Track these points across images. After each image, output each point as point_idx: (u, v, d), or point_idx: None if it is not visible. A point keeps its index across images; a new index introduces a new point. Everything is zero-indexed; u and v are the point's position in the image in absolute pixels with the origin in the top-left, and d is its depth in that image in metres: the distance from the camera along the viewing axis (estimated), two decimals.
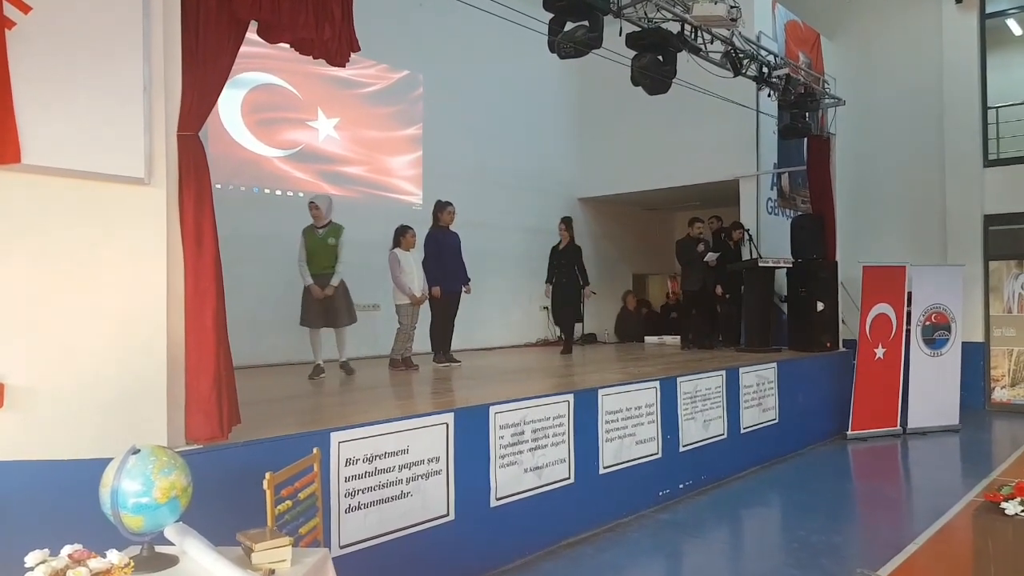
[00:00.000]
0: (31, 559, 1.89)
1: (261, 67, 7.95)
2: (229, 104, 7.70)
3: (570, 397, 5.17)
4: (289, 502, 2.95)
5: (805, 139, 9.54)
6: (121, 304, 2.95)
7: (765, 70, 7.88)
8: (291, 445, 3.38)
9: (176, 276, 3.14)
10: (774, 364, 7.70)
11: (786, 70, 7.97)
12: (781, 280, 9.69)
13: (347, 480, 3.73)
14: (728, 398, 6.88)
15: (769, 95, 8.34)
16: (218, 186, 7.45)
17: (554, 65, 9.02)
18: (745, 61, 7.52)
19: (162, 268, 3.07)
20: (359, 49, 3.93)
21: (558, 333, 11.64)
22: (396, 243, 7.00)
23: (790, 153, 10.54)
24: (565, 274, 8.55)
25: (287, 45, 3.86)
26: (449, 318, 7.41)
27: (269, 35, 3.63)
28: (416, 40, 9.49)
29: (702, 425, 6.52)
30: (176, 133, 3.19)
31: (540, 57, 7.32)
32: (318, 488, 3.20)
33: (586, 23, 5.88)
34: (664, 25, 6.70)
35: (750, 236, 9.61)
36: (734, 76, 7.39)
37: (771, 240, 10.19)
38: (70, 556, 1.91)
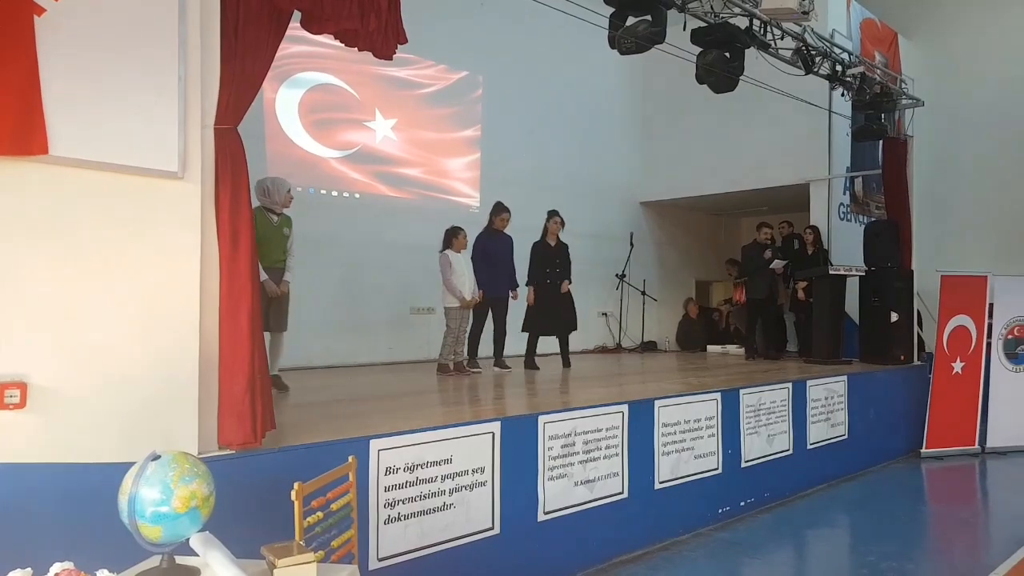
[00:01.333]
0: None
1: (319, 67, 7.94)
2: (287, 104, 7.70)
3: (624, 408, 4.91)
4: (320, 513, 2.80)
5: (880, 142, 9.02)
6: (152, 303, 2.85)
7: (839, 68, 7.44)
8: (327, 452, 3.23)
9: (210, 275, 3.03)
10: (844, 377, 7.25)
11: (861, 69, 7.52)
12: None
13: (387, 490, 3.57)
14: (794, 412, 6.50)
15: (843, 95, 7.89)
16: (292, 185, 7.57)
17: (616, 65, 8.79)
18: (817, 59, 7.12)
19: (195, 266, 2.96)
20: (406, 41, 3.77)
21: (616, 340, 11.41)
22: (447, 244, 6.81)
23: (864, 156, 10.00)
24: (558, 275, 7.58)
25: (341, 43, 3.74)
26: (498, 323, 7.14)
27: (312, 26, 3.51)
28: (476, 41, 9.36)
29: (766, 440, 6.16)
30: (213, 126, 3.09)
31: (601, 57, 7.10)
32: (353, 499, 3.04)
33: (649, 17, 5.62)
34: (731, 20, 6.38)
35: (821, 242, 9.14)
36: (805, 74, 7.00)
37: (843, 247, 9.68)
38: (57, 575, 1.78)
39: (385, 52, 3.71)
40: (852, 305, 8.97)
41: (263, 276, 5.32)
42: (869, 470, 7.39)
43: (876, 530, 5.51)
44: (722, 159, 10.83)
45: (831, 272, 8.45)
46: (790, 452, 6.40)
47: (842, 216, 9.90)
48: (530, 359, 7.47)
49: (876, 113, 8.30)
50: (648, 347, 11.22)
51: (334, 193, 8.10)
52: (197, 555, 2.37)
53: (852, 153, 9.93)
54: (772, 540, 5.36)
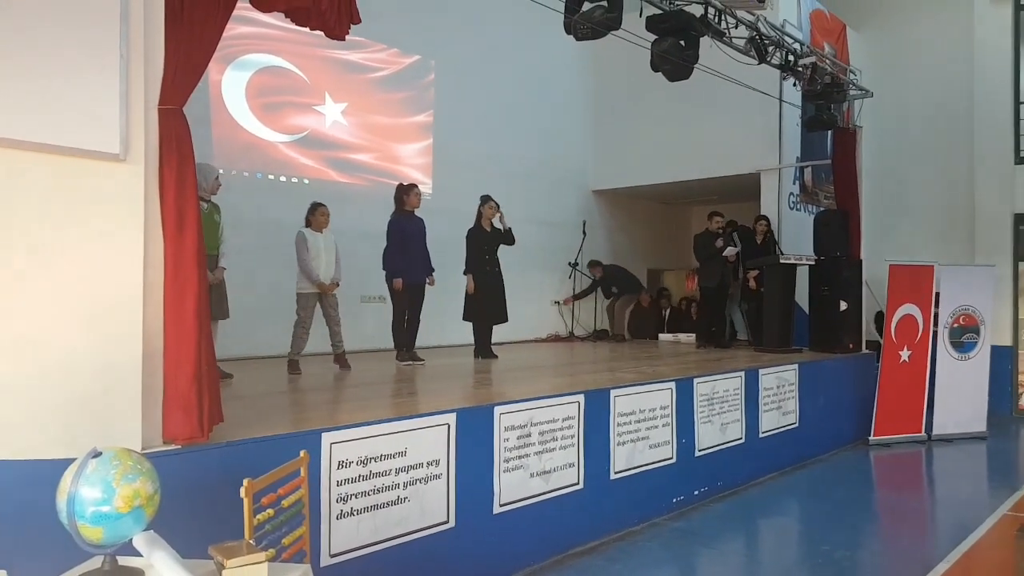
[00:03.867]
0: None
1: (268, 49, 7.70)
2: (234, 86, 7.45)
3: (580, 398, 4.90)
4: (271, 511, 2.70)
5: (830, 132, 9.19)
6: (92, 291, 2.70)
7: (791, 58, 7.53)
8: (277, 446, 3.13)
9: (155, 261, 2.89)
10: (795, 366, 7.38)
11: (813, 59, 7.63)
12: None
13: (339, 484, 3.48)
14: (747, 401, 6.58)
15: (794, 84, 8.00)
16: (220, 171, 7.30)
17: (570, 52, 8.74)
18: (770, 48, 7.19)
19: (138, 252, 2.82)
20: (359, 21, 3.65)
21: (568, 329, 11.44)
22: (307, 222, 6.20)
23: (813, 146, 10.19)
24: (495, 262, 7.42)
25: (295, 26, 3.61)
26: (413, 312, 6.78)
27: (262, 4, 3.36)
28: (428, 25, 9.21)
29: (719, 429, 6.23)
30: (157, 106, 2.94)
31: (555, 43, 7.03)
32: (305, 494, 2.95)
33: (605, 3, 5.59)
34: (687, 8, 6.38)
35: (772, 231, 9.28)
36: (759, 63, 7.06)
37: (793, 236, 9.86)
38: None
39: (338, 32, 3.58)
40: (802, 294, 9.16)
41: None
42: (819, 458, 7.55)
43: (828, 518, 5.62)
44: (674, 148, 10.91)
45: (782, 261, 8.58)
46: (742, 441, 6.48)
47: (792, 206, 10.08)
48: (484, 348, 7.38)
49: (826, 103, 8.44)
50: (601, 336, 11.27)
51: (282, 178, 7.89)
52: (141, 555, 2.26)
53: (802, 143, 10.10)
54: (727, 529, 5.42)
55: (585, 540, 4.84)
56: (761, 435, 6.74)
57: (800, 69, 7.65)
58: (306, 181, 8.02)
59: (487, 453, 4.23)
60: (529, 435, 4.50)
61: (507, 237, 7.46)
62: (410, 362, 6.68)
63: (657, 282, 14.06)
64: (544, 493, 4.59)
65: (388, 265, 6.68)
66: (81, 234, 2.66)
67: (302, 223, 6.24)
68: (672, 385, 5.76)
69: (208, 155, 7.25)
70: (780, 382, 7.11)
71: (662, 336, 11.27)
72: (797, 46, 7.83)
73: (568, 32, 5.74)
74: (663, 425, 5.63)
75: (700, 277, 9.55)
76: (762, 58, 6.97)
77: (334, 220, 7.53)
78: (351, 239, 7.69)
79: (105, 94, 2.69)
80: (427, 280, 6.78)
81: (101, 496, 2.15)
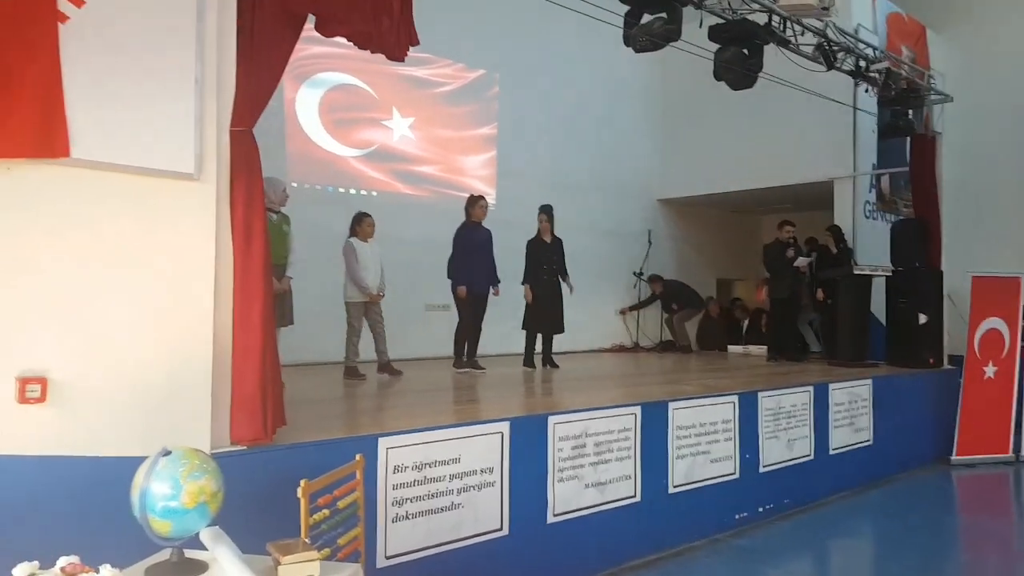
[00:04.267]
0: (18, 571, 1.81)
1: (339, 67, 8.00)
2: (307, 104, 7.78)
3: (637, 409, 4.89)
4: (326, 511, 2.83)
5: (908, 139, 8.87)
6: (167, 301, 2.91)
7: (862, 64, 7.33)
8: (335, 450, 3.27)
9: (224, 273, 3.08)
10: (869, 381, 7.14)
11: (886, 64, 7.40)
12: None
13: (395, 488, 3.60)
14: (816, 416, 6.41)
15: (866, 91, 7.77)
16: (294, 184, 7.61)
17: (635, 62, 8.71)
18: (840, 54, 7.02)
19: (210, 265, 3.01)
20: (418, 42, 3.79)
21: (633, 339, 11.38)
22: (352, 232, 6.32)
23: (891, 153, 9.83)
24: (553, 273, 7.37)
25: (354, 45, 3.77)
26: (476, 321, 6.86)
27: (325, 29, 3.54)
28: (493, 39, 9.37)
29: (786, 444, 6.09)
30: (229, 128, 3.14)
31: (619, 53, 7.02)
32: (360, 497, 3.08)
33: (664, 15, 5.59)
34: (750, 16, 6.31)
35: (844, 240, 9.02)
36: (827, 70, 6.90)
37: (869, 246, 9.54)
38: (63, 569, 1.82)
39: (397, 54, 3.73)
40: (880, 307, 8.85)
41: None
42: (895, 477, 7.26)
43: (901, 541, 5.42)
44: (742, 156, 10.72)
45: (856, 272, 8.33)
46: (811, 457, 6.31)
47: (868, 214, 9.76)
48: (529, 357, 7.37)
49: (903, 109, 8.16)
50: (667, 347, 11.15)
51: (352, 191, 8.17)
52: (206, 549, 2.42)
53: (878, 150, 9.77)
54: (791, 548, 5.30)
55: (642, 554, 4.81)
56: (832, 452, 6.55)
57: (873, 75, 7.43)
58: (374, 193, 8.28)
59: (541, 462, 4.28)
60: (584, 445, 4.53)
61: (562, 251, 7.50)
62: (469, 370, 6.77)
63: (728, 292, 13.83)
64: (599, 504, 4.60)
65: (452, 274, 6.80)
66: (158, 247, 2.87)
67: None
68: (735, 399, 5.68)
69: (282, 169, 7.58)
70: (852, 397, 6.89)
71: (732, 348, 11.06)
72: (869, 51, 7.61)
73: (627, 44, 5.76)
74: (725, 439, 5.55)
75: (771, 288, 9.36)
76: (830, 65, 6.81)
77: (400, 230, 7.76)
78: (416, 249, 7.91)
79: (181, 117, 2.90)
80: (492, 290, 6.88)
81: (170, 492, 2.31)
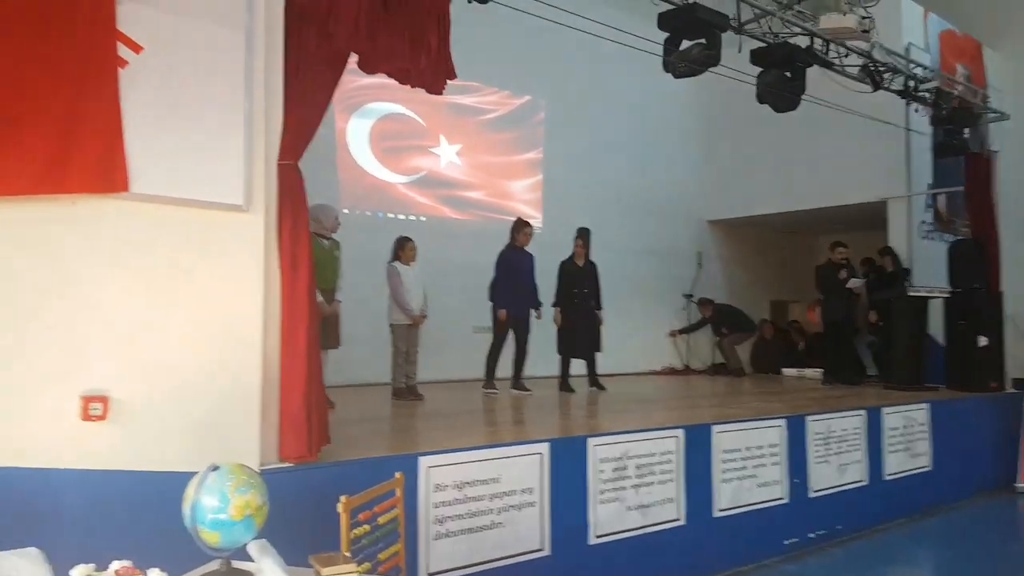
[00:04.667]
0: (76, 572, 1.95)
1: (388, 97, 8.25)
2: (358, 133, 8.06)
3: (680, 432, 4.89)
4: (367, 527, 2.94)
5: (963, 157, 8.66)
6: (219, 324, 3.08)
7: (911, 84, 7.22)
8: (377, 467, 3.37)
9: (272, 299, 3.24)
10: (926, 405, 6.95)
11: (936, 83, 7.27)
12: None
13: (436, 506, 3.69)
14: (869, 441, 6.27)
15: (916, 110, 7.64)
16: (345, 211, 7.85)
17: (682, 82, 8.75)
18: (887, 75, 6.94)
19: (259, 291, 3.18)
20: (455, 77, 3.95)
21: (684, 362, 11.28)
22: (395, 256, 6.46)
23: (949, 172, 9.57)
24: (587, 296, 7.39)
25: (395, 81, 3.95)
26: (521, 344, 6.90)
27: (367, 67, 3.73)
28: (538, 66, 9.51)
29: (837, 469, 5.96)
30: (277, 162, 3.32)
31: (666, 75, 7.08)
32: (400, 513, 3.17)
33: (703, 40, 5.64)
34: (792, 39, 6.31)
35: (899, 261, 8.82)
36: (873, 91, 6.83)
37: (927, 267, 9.28)
38: (116, 572, 1.96)
39: (435, 88, 3.89)
40: (941, 329, 8.61)
41: (317, 298, 5.56)
42: (957, 504, 7.00)
43: (960, 570, 5.25)
44: (793, 176, 10.61)
45: (910, 294, 8.14)
46: (865, 483, 6.17)
47: (924, 235, 9.52)
48: (565, 382, 7.34)
49: (956, 128, 7.99)
50: (719, 370, 11.02)
51: (401, 216, 8.39)
52: (253, 561, 2.55)
53: (934, 169, 9.54)
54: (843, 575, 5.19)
55: None
56: (886, 478, 6.39)
57: (923, 94, 7.32)
58: (422, 218, 8.49)
59: (581, 484, 4.31)
60: (625, 468, 4.54)
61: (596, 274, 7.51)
62: (517, 392, 6.83)
63: (783, 314, 13.59)
64: (642, 527, 4.60)
65: (494, 297, 6.86)
66: (210, 275, 3.05)
67: (421, 257, 6.60)
68: (782, 422, 5.61)
69: (334, 197, 7.84)
70: (908, 422, 6.71)
71: (786, 371, 10.87)
72: (919, 70, 7.50)
73: (667, 70, 5.83)
74: (772, 463, 5.48)
75: (824, 311, 9.20)
76: (876, 86, 6.74)
77: (447, 254, 7.91)
78: (462, 272, 8.04)
79: (232, 153, 3.09)
80: (534, 314, 6.94)
81: (218, 504, 2.45)
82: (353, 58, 3.69)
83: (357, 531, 2.87)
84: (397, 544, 3.15)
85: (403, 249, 6.46)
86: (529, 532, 4.04)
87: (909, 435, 6.66)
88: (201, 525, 2.47)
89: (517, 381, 6.92)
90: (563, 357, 7.36)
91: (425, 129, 8.61)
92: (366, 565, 2.87)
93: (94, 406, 2.74)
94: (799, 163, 10.52)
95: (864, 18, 5.32)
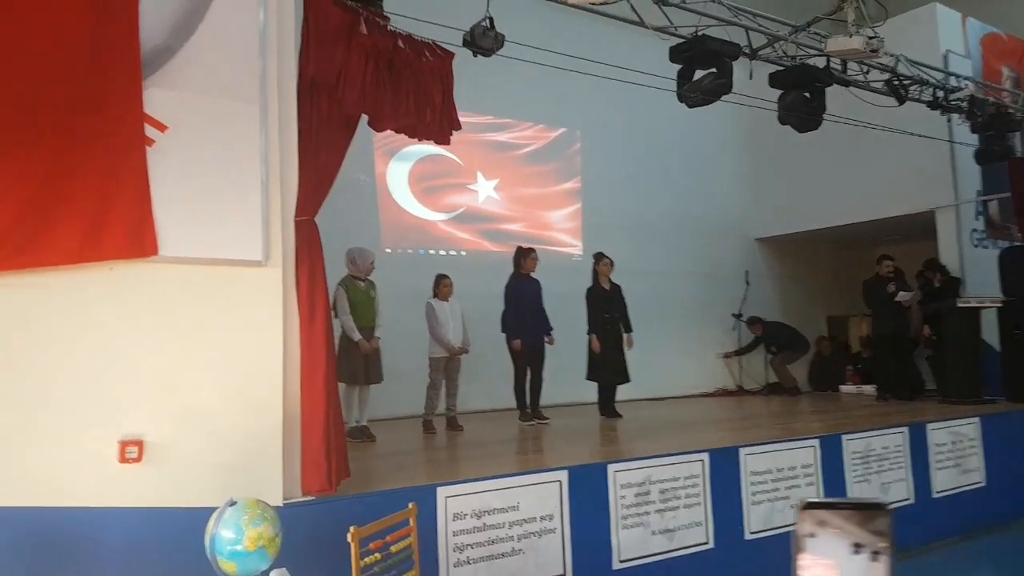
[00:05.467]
0: None
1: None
2: (397, 176, 8.44)
3: (704, 456, 4.96)
4: (378, 555, 3.16)
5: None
6: (242, 371, 3.38)
7: (940, 94, 7.13)
8: (393, 499, 3.60)
9: (292, 344, 3.54)
10: (975, 419, 6.76)
11: (968, 92, 7.16)
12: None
13: (455, 534, 3.88)
14: (913, 458, 6.16)
15: (948, 120, 7.51)
16: (388, 250, 8.22)
17: (720, 104, 8.81)
18: (913, 87, 6.89)
19: (278, 338, 3.48)
20: (459, 127, 4.23)
21: (737, 382, 11.17)
22: (433, 292, 6.72)
23: (999, 178, 9.32)
24: (615, 321, 7.37)
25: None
26: (536, 372, 6.92)
27: (376, 125, 4.04)
28: (572, 99, 9.71)
29: (878, 488, 5.89)
30: (293, 219, 3.64)
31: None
32: (414, 542, 3.39)
33: (714, 70, 5.77)
34: (809, 60, 6.37)
35: (947, 272, 8.62)
36: (899, 104, 6.79)
37: (980, 276, 9.03)
38: None
39: (441, 139, 4.18)
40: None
41: (357, 336, 5.91)
42: (1015, 522, 6.77)
43: None
44: (839, 190, 10.46)
45: (959, 304, 7.94)
46: (911, 501, 6.07)
47: (976, 243, 9.27)
48: (607, 407, 7.35)
49: (998, 134, 7.82)
50: (774, 389, 10.87)
51: (442, 252, 8.70)
52: None
53: (983, 175, 9.30)
54: None
55: None
56: (935, 495, 6.25)
57: (954, 104, 7.21)
58: (463, 253, 8.79)
59: (603, 509, 4.44)
60: (648, 493, 4.64)
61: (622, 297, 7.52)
62: (535, 422, 6.86)
63: (843, 329, 13.31)
64: (669, 551, 4.68)
65: (506, 327, 6.93)
66: (232, 326, 3.37)
67: (461, 292, 6.85)
68: (815, 443, 5.59)
69: (376, 238, 8.23)
70: (956, 437, 6.55)
71: (844, 388, 10.66)
72: (953, 80, 7.40)
73: (680, 101, 5.98)
74: (807, 484, 5.47)
75: (874, 325, 9.06)
76: (901, 100, 6.69)
77: (488, 287, 8.09)
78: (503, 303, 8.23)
79: (250, 214, 3.41)
80: (546, 340, 6.98)
81: (234, 537, 2.73)
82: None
83: (368, 559, 3.10)
84: (412, 571, 3.36)
85: (439, 286, 6.72)
86: (550, 558, 4.19)
87: (959, 451, 6.50)
88: (220, 556, 2.75)
89: (536, 410, 6.95)
90: (599, 383, 7.41)
91: (462, 167, 8.92)
92: None
93: (130, 449, 3.06)
94: (845, 176, 10.38)
95: (871, 38, 5.35)
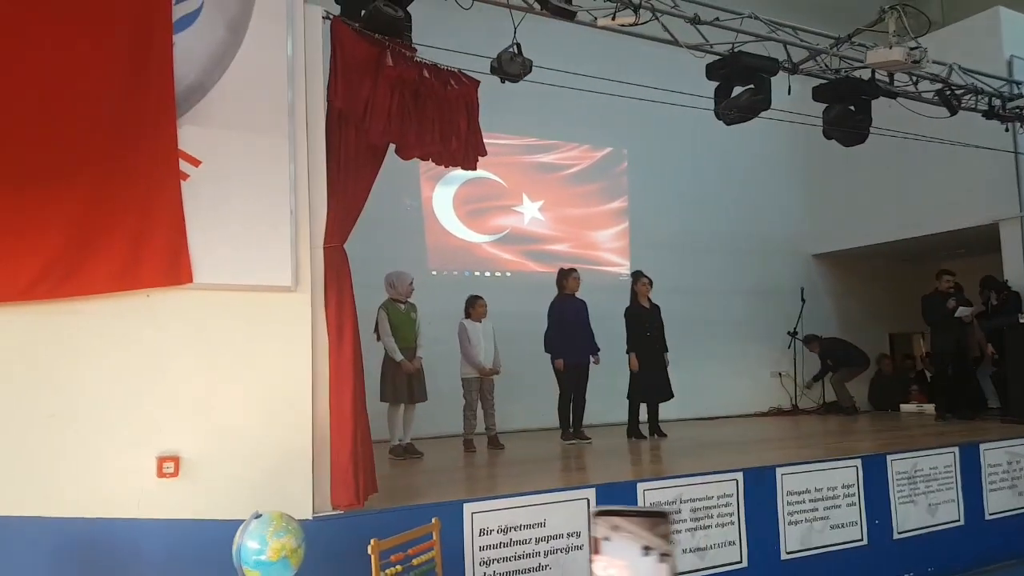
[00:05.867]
0: None
1: None
2: (443, 200, 8.66)
3: (739, 476, 4.92)
4: (399, 567, 3.28)
5: None
6: (273, 391, 3.57)
7: (996, 103, 6.92)
8: (420, 514, 3.71)
9: (321, 365, 3.72)
10: None
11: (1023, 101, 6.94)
12: None
13: (482, 549, 3.98)
14: (963, 478, 5.96)
15: (1006, 129, 7.27)
16: (433, 273, 8.42)
17: (771, 119, 8.72)
18: (967, 97, 6.72)
19: (307, 359, 3.66)
20: (485, 153, 4.36)
21: (792, 401, 10.92)
22: (466, 313, 6.83)
23: None
24: (655, 340, 7.41)
25: (496, 140, 4.38)
26: (578, 392, 6.99)
27: (403, 153, 4.21)
28: (618, 118, 9.74)
29: (926, 509, 5.72)
30: (323, 246, 3.83)
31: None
32: (437, 555, 3.50)
33: (752, 86, 5.78)
34: (853, 73, 6.30)
35: (1007, 287, 8.30)
36: (951, 115, 6.62)
37: None
38: None
39: (468, 165, 4.32)
40: None
41: (399, 357, 6.10)
42: None
43: None
44: (898, 203, 10.20)
45: (1022, 320, 7.65)
46: (960, 523, 5.86)
47: None
48: (634, 427, 7.33)
49: None
50: (831, 408, 10.60)
51: (487, 274, 8.86)
52: None
53: None
54: None
55: None
56: (988, 517, 6.02)
57: (1012, 113, 6.99)
58: (508, 274, 8.92)
59: None
60: (679, 511, 4.64)
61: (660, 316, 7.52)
62: (576, 441, 6.90)
63: (906, 347, 12.88)
64: (700, 570, 4.66)
65: (549, 347, 7.02)
66: (264, 348, 3.56)
67: (506, 311, 6.97)
68: (857, 463, 5.48)
69: (423, 260, 8.44)
70: (1013, 458, 6.30)
71: (904, 407, 10.32)
72: (1009, 87, 7.18)
73: (718, 118, 5.99)
74: (848, 505, 5.36)
75: (933, 342, 8.79)
76: (953, 110, 6.53)
77: (534, 307, 8.18)
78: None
79: (279, 242, 3.62)
80: (592, 359, 7.02)
81: (258, 547, 2.89)
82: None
83: (388, 572, 3.22)
84: None
85: (473, 307, 6.85)
86: (578, 573, 4.23)
87: (1014, 472, 6.25)
88: (246, 565, 2.92)
89: (577, 430, 6.99)
90: (633, 402, 7.40)
91: (507, 190, 9.08)
92: None
93: (167, 465, 3.27)
94: (904, 189, 10.11)
95: (913, 48, 5.25)
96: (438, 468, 5.73)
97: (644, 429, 7.38)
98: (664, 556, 0.61)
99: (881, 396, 11.03)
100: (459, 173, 8.66)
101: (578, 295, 7.28)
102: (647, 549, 0.61)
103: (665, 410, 8.74)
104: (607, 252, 9.69)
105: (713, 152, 10.56)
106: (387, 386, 6.19)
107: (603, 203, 9.84)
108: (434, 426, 7.41)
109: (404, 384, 6.15)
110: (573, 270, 7.26)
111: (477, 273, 8.80)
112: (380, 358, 6.20)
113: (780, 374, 11.02)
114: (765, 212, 11.17)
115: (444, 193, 8.66)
